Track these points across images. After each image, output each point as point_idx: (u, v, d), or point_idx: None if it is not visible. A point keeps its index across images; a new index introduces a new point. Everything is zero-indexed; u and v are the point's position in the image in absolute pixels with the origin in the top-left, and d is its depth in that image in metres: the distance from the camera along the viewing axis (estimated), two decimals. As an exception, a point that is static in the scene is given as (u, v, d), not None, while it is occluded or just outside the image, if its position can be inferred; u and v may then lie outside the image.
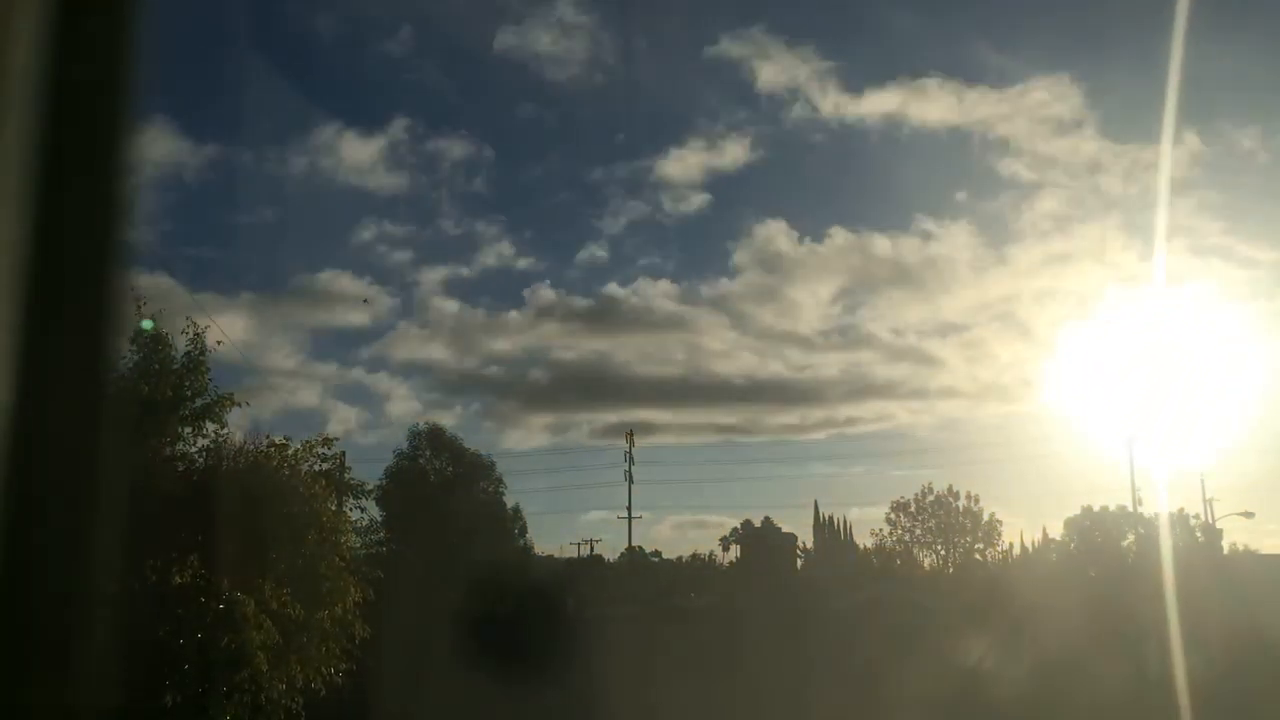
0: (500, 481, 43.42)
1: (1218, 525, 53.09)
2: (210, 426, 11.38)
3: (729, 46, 64.38)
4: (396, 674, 12.61)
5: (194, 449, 11.43)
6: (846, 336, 60.63)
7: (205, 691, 8.85)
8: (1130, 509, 58.26)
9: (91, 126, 1.03)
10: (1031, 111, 61.63)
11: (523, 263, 65.65)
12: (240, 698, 9.16)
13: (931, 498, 48.74)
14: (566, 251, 73.52)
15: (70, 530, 1.00)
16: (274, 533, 10.38)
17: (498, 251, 62.06)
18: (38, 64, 0.97)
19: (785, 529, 55.42)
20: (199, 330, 11.31)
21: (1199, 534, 53.93)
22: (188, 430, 11.27)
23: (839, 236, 57.25)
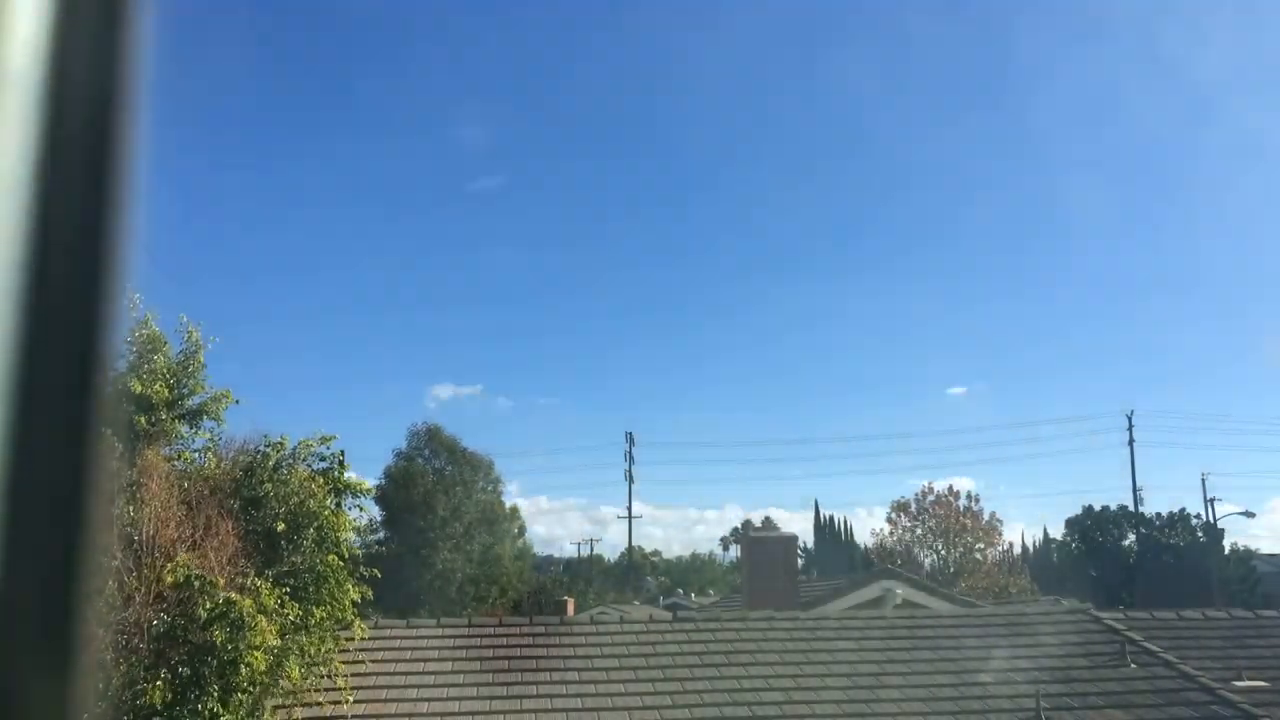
0: (499, 481, 43.55)
1: (1219, 525, 53.18)
2: (208, 424, 11.37)
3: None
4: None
5: (191, 447, 11.42)
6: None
7: (201, 691, 8.80)
8: (1131, 508, 58.38)
9: (92, 124, 1.01)
10: None
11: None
12: (237, 697, 9.11)
13: (932, 497, 48.73)
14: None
15: (66, 529, 0.98)
16: (271, 531, 10.34)
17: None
18: (36, 62, 0.95)
19: (786, 529, 55.52)
20: (193, 327, 11.29)
21: (1201, 534, 54.00)
22: (184, 428, 11.24)
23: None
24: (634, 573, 72.47)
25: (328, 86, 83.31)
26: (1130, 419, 58.78)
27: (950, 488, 48.70)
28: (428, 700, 11.77)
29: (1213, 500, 53.14)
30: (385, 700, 11.66)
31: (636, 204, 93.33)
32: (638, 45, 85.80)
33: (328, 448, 11.42)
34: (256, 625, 8.84)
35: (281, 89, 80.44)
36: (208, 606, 8.80)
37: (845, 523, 68.88)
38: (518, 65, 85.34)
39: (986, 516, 47.86)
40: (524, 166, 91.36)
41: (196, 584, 8.86)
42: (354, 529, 11.61)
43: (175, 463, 10.76)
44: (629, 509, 69.69)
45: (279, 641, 9.34)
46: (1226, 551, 55.98)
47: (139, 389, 10.23)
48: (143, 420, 10.27)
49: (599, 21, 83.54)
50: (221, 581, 9.06)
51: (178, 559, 8.92)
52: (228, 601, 8.86)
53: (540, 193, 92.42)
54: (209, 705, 8.73)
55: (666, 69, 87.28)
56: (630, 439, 69.66)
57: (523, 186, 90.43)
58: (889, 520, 49.47)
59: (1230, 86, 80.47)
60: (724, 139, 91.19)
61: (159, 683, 8.42)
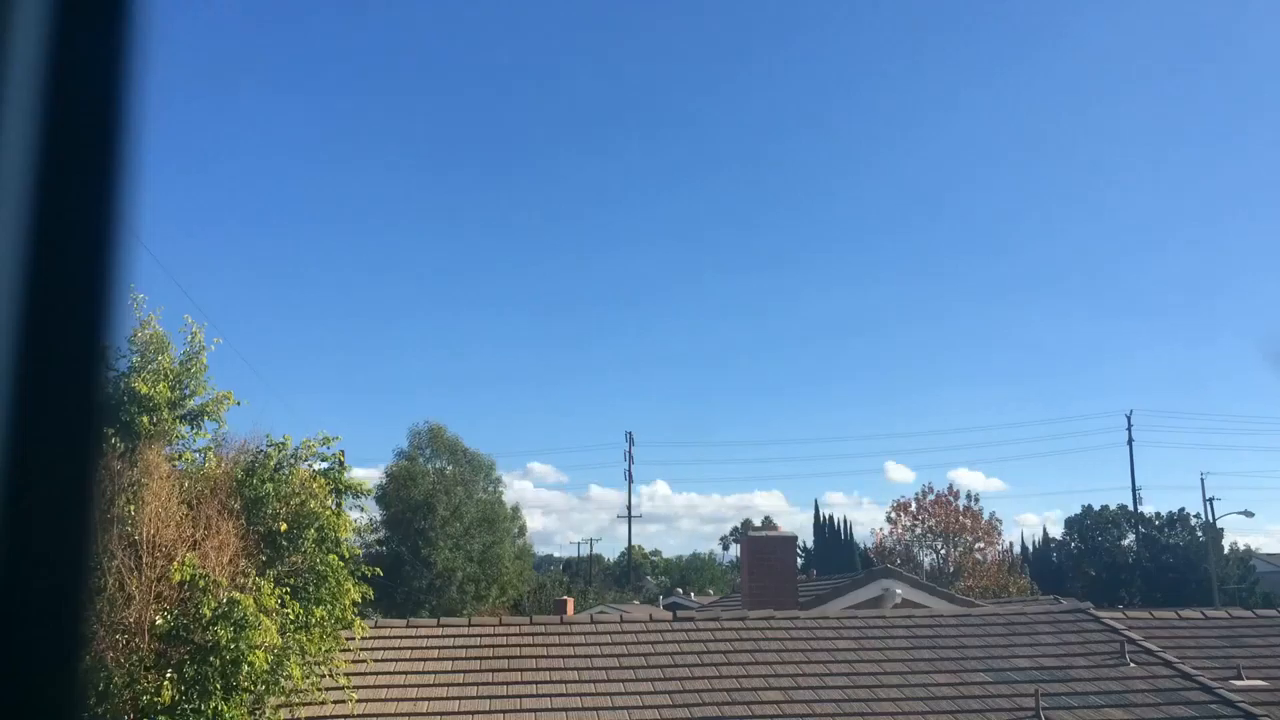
0: (500, 481, 43.53)
1: (1218, 524, 53.16)
2: (209, 425, 11.36)
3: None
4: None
5: (192, 447, 11.40)
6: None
7: (204, 690, 8.80)
8: (1131, 508, 58.34)
9: (91, 123, 1.01)
10: None
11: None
12: (239, 696, 9.11)
13: (932, 497, 48.73)
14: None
15: (68, 529, 0.98)
16: (272, 531, 10.34)
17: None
18: (36, 62, 0.96)
19: (785, 528, 55.53)
20: (197, 328, 11.29)
21: (1200, 533, 53.97)
22: (186, 429, 11.23)
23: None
24: (634, 572, 72.50)
25: (328, 84, 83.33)
26: (1130, 419, 58.82)
27: (950, 487, 48.75)
28: (428, 700, 11.77)
29: (1212, 500, 53.11)
30: (385, 700, 11.67)
31: (637, 203, 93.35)
32: (645, 38, 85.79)
33: (329, 448, 11.42)
34: (260, 625, 8.84)
35: (281, 87, 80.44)
36: (211, 605, 8.80)
37: (845, 522, 68.84)
38: (517, 59, 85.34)
39: (986, 516, 47.89)
40: (524, 163, 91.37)
41: (201, 583, 8.86)
42: (355, 529, 11.59)
43: (176, 463, 10.75)
44: (629, 509, 69.75)
45: (280, 640, 9.34)
46: (1226, 551, 55.97)
47: (143, 389, 10.23)
48: (145, 420, 10.27)
49: (603, 18, 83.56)
50: (224, 581, 9.06)
51: (183, 558, 8.92)
52: (231, 601, 8.86)
53: (540, 190, 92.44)
54: (212, 704, 8.74)
55: (667, 67, 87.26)
56: (630, 439, 69.75)
57: (522, 182, 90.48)
58: (889, 520, 49.50)
59: (1225, 86, 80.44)
60: (725, 137, 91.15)
61: (165, 682, 8.42)
